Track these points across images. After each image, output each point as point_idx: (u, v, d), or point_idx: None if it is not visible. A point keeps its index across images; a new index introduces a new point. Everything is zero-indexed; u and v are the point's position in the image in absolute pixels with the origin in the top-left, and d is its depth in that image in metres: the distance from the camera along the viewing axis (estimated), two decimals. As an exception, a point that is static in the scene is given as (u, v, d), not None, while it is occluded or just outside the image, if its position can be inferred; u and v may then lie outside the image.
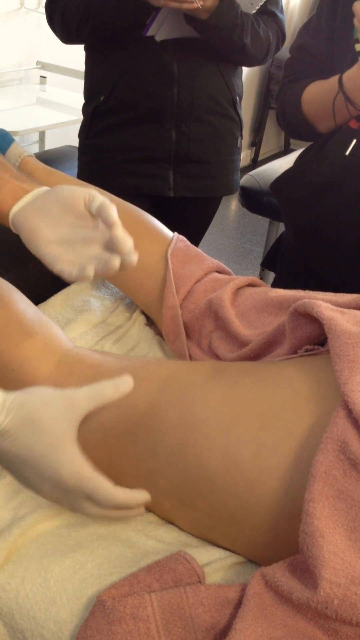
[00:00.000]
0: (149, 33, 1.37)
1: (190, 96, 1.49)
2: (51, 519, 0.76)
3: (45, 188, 0.82)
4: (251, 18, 1.44)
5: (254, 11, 1.44)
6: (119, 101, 1.52)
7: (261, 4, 1.43)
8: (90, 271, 0.76)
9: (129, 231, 1.08)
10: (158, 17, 1.34)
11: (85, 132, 1.63)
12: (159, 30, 1.37)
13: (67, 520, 0.76)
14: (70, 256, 0.78)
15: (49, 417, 0.67)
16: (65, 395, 0.69)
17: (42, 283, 1.16)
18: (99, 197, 0.77)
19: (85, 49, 1.59)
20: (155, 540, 0.76)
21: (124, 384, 0.71)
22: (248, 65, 1.59)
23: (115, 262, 0.75)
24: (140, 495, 0.70)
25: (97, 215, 0.77)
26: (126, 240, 0.76)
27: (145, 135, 1.54)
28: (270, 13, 1.51)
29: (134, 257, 0.76)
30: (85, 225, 0.79)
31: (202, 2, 1.28)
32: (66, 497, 0.69)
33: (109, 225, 0.76)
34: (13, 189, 0.81)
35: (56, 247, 0.78)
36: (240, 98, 1.62)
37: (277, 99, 1.35)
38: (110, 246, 0.77)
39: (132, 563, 0.71)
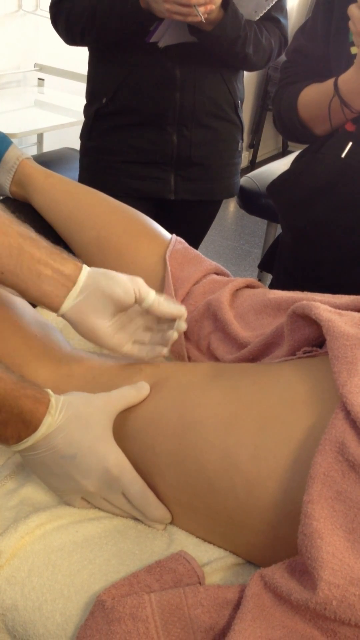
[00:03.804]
0: (153, 39, 1.38)
1: (192, 101, 1.50)
2: (59, 518, 0.76)
3: (86, 271, 0.82)
4: (254, 26, 1.44)
5: (257, 18, 1.45)
6: (121, 104, 1.53)
7: (265, 11, 1.44)
8: (165, 351, 0.87)
9: (127, 233, 1.10)
10: (162, 25, 1.34)
11: (86, 133, 1.63)
12: (163, 37, 1.38)
13: (73, 518, 0.77)
14: (125, 336, 0.85)
15: (92, 413, 0.74)
16: (100, 396, 0.77)
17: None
18: (150, 296, 0.82)
19: (89, 51, 1.60)
20: (161, 540, 0.76)
21: (143, 388, 0.80)
22: (249, 70, 1.60)
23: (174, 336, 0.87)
24: (166, 510, 0.76)
25: (150, 312, 0.84)
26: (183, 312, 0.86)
27: (147, 138, 1.54)
28: (273, 19, 1.51)
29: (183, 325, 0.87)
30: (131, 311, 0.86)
31: (206, 15, 1.28)
32: (105, 490, 0.74)
33: (171, 317, 0.85)
34: (56, 278, 0.80)
35: (117, 334, 0.84)
36: (242, 102, 1.63)
37: (273, 102, 1.36)
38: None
39: (139, 561, 0.72)
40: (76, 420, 0.73)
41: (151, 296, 0.82)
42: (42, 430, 0.71)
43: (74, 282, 0.80)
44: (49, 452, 0.72)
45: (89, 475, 0.73)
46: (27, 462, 0.76)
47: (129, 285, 0.81)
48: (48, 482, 0.77)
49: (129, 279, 0.82)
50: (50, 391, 0.74)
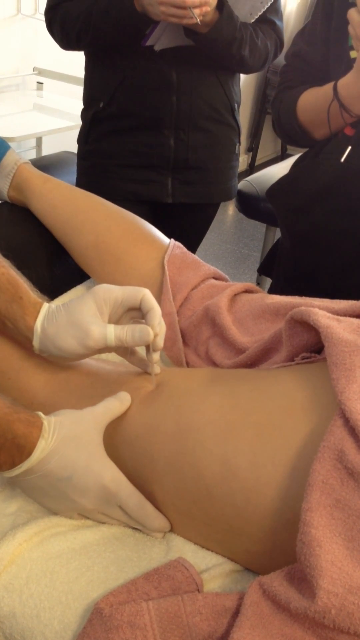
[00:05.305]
0: (148, 43, 1.38)
1: (189, 104, 1.50)
2: (58, 525, 0.76)
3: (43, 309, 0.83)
4: (249, 29, 1.44)
5: (253, 20, 1.45)
6: (118, 108, 1.53)
7: (260, 13, 1.44)
8: (158, 369, 0.85)
9: (125, 237, 1.10)
10: (157, 28, 1.34)
11: (84, 137, 1.63)
12: (158, 41, 1.38)
13: (72, 525, 0.77)
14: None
15: (83, 431, 0.73)
16: (87, 413, 0.76)
17: (38, 289, 1.17)
18: (110, 340, 0.80)
19: (85, 55, 1.60)
20: (159, 547, 0.76)
21: (125, 399, 0.79)
22: (245, 73, 1.60)
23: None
24: (165, 520, 0.76)
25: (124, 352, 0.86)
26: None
27: (144, 141, 1.54)
28: (269, 21, 1.51)
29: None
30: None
31: (201, 17, 1.28)
32: (103, 506, 0.74)
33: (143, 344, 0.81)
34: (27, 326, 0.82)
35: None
36: (239, 105, 1.63)
37: (272, 106, 1.36)
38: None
39: (137, 568, 0.72)
40: (69, 441, 0.72)
41: (110, 340, 0.80)
42: (37, 454, 0.70)
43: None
44: (43, 475, 0.71)
45: (86, 494, 0.72)
46: (21, 486, 0.76)
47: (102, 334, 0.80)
48: (43, 503, 0.76)
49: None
50: (41, 414, 0.74)
